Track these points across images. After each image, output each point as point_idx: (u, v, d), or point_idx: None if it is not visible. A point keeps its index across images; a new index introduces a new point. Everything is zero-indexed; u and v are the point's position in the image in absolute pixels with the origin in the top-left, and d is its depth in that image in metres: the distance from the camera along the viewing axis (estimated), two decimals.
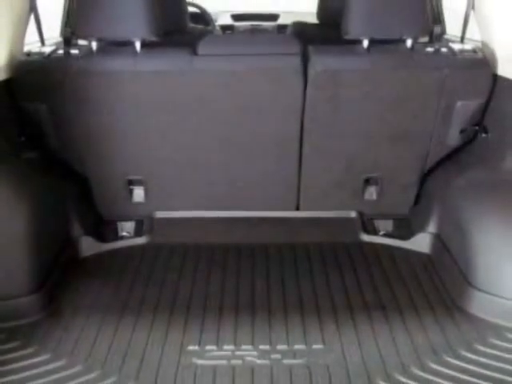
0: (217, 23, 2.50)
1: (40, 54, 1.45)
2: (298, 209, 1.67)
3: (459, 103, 1.45)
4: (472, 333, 1.21)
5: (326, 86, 1.40)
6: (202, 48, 1.39)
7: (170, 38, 1.45)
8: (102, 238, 1.60)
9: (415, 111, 1.46)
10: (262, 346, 1.18)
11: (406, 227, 1.65)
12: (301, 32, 1.77)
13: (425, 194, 1.65)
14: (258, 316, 1.28)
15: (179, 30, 1.78)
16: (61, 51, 1.45)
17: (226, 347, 1.18)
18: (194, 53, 1.39)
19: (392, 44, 1.43)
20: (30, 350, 1.17)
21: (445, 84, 1.40)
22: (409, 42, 1.42)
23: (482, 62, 1.42)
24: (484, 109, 1.48)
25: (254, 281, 1.42)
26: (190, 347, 1.18)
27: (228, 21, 2.56)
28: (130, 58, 1.39)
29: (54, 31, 1.74)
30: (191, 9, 2.24)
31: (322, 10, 1.88)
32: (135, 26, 1.35)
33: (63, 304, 1.33)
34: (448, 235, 1.48)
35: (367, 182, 1.63)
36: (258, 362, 1.14)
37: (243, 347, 1.18)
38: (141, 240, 1.61)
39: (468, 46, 1.48)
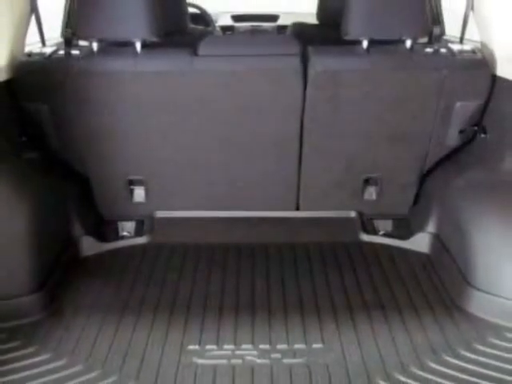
0: (217, 24, 2.50)
1: (41, 54, 1.46)
2: (297, 209, 1.67)
3: (458, 104, 1.45)
4: (471, 332, 1.22)
5: (325, 86, 1.40)
6: (202, 49, 1.40)
7: (170, 39, 1.45)
8: (102, 237, 1.61)
9: (414, 112, 1.47)
10: (262, 346, 1.19)
11: (405, 227, 1.65)
12: (300, 33, 1.78)
13: (424, 194, 1.66)
14: (258, 315, 1.28)
15: (180, 31, 1.79)
16: (62, 52, 1.46)
17: (226, 347, 1.19)
18: (195, 53, 1.40)
19: (391, 45, 1.43)
20: (30, 350, 1.18)
21: (444, 84, 1.41)
22: (408, 43, 1.43)
23: (481, 63, 1.43)
24: (483, 109, 1.49)
25: (254, 280, 1.42)
26: (191, 347, 1.19)
27: (228, 22, 2.57)
28: (130, 58, 1.39)
29: (54, 32, 1.75)
30: (191, 10, 2.24)
31: (322, 11, 1.89)
32: (136, 27, 1.36)
33: (64, 304, 1.34)
34: (447, 235, 1.48)
35: (367, 182, 1.64)
36: (258, 361, 1.15)
37: (243, 347, 1.18)
38: (141, 240, 1.62)
39: (467, 47, 1.48)
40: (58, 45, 1.57)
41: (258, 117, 1.47)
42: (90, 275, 1.46)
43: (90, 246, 1.55)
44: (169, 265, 1.51)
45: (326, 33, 1.61)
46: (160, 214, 1.69)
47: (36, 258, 1.30)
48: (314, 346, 1.19)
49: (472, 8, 1.51)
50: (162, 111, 1.46)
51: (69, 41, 1.51)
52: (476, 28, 1.53)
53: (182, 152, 1.55)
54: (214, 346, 1.19)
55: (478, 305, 1.27)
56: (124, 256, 1.55)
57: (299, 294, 1.37)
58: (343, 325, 1.25)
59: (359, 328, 1.24)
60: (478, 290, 1.28)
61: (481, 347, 1.17)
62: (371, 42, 1.40)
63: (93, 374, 1.11)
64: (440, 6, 1.85)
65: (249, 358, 1.16)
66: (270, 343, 1.19)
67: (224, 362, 1.14)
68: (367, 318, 1.27)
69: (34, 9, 1.49)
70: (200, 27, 2.29)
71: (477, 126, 1.53)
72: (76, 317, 1.28)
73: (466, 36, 1.58)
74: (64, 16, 1.79)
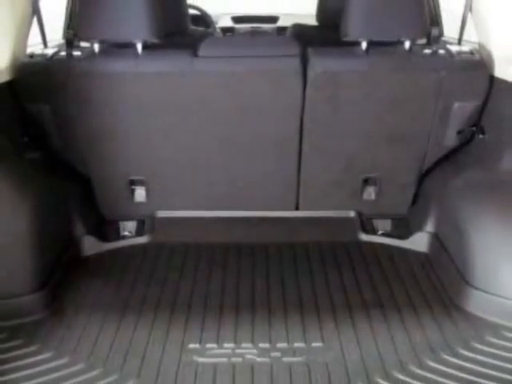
0: (217, 25, 2.51)
1: (43, 55, 1.47)
2: (297, 208, 1.68)
3: (456, 104, 1.46)
4: (469, 331, 1.23)
5: (325, 87, 1.41)
6: (202, 50, 1.41)
7: (171, 40, 1.46)
8: (104, 237, 1.62)
9: (413, 112, 1.48)
10: (261, 344, 1.19)
11: (404, 227, 1.66)
12: (300, 34, 1.79)
13: (423, 194, 1.66)
14: (258, 314, 1.29)
15: (180, 32, 1.80)
16: (63, 53, 1.47)
17: (226, 345, 1.19)
18: (195, 54, 1.40)
19: (390, 46, 1.44)
20: (32, 348, 1.18)
21: (442, 85, 1.41)
22: (407, 44, 1.43)
23: (479, 64, 1.43)
24: (481, 110, 1.50)
25: (254, 280, 1.43)
26: (191, 345, 1.19)
27: (228, 23, 2.58)
28: (131, 59, 1.40)
29: (56, 33, 1.76)
30: (192, 11, 2.26)
31: (321, 13, 1.90)
32: (137, 28, 1.37)
33: (66, 303, 1.34)
34: (446, 235, 1.49)
35: (366, 182, 1.65)
36: (258, 359, 1.15)
37: (243, 345, 1.19)
38: (142, 239, 1.63)
39: (465, 48, 1.49)
40: (59, 46, 1.59)
41: (258, 117, 1.48)
42: (92, 274, 1.47)
43: (91, 245, 1.56)
44: (169, 264, 1.52)
45: (325, 34, 1.62)
46: (161, 213, 1.69)
47: (38, 257, 1.31)
48: (314, 344, 1.19)
49: (470, 9, 1.52)
50: (163, 112, 1.47)
51: (70, 42, 1.52)
52: (474, 29, 1.54)
53: (182, 152, 1.56)
54: (215, 345, 1.20)
55: (477, 304, 1.28)
56: (125, 255, 1.56)
57: (299, 293, 1.37)
58: (342, 324, 1.25)
59: (358, 327, 1.24)
60: (477, 289, 1.29)
61: (479, 346, 1.18)
62: (370, 44, 1.41)
63: (94, 373, 1.12)
64: (438, 7, 1.87)
65: (249, 356, 1.16)
66: (270, 342, 1.20)
67: (224, 360, 1.15)
68: (366, 317, 1.28)
69: (35, 10, 1.50)
70: (200, 28, 2.30)
71: (475, 126, 1.54)
72: (77, 316, 1.29)
73: (465, 37, 1.59)
74: (66, 17, 1.81)
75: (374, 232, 1.66)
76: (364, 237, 1.63)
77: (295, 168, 1.58)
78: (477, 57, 1.46)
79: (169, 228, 1.66)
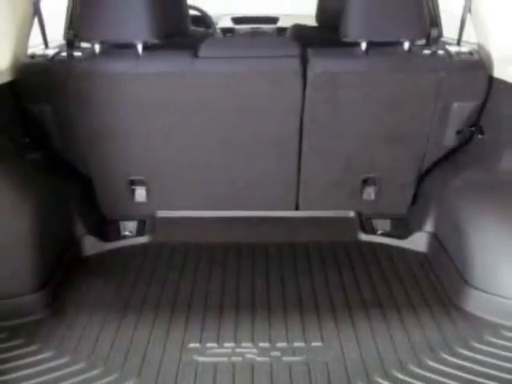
0: (217, 26, 2.52)
1: (44, 56, 1.47)
2: (297, 208, 1.69)
3: (456, 105, 1.47)
4: (468, 330, 1.23)
5: (324, 87, 1.42)
6: (203, 50, 1.41)
7: (171, 41, 1.47)
8: (104, 237, 1.62)
9: (412, 112, 1.48)
10: (261, 344, 1.20)
11: (403, 227, 1.67)
12: (300, 34, 1.79)
13: (422, 194, 1.67)
14: (258, 314, 1.29)
15: (181, 33, 1.80)
16: (64, 53, 1.47)
17: (226, 345, 1.20)
18: (195, 55, 1.41)
19: (390, 46, 1.45)
20: (33, 348, 1.19)
21: (441, 86, 1.42)
22: (406, 45, 1.44)
23: (478, 64, 1.44)
24: (480, 110, 1.50)
25: (254, 279, 1.44)
26: (191, 345, 1.20)
27: (228, 24, 2.59)
28: (132, 60, 1.41)
29: (58, 32, 1.76)
30: (192, 12, 2.26)
31: (321, 13, 1.91)
32: (137, 29, 1.37)
33: (66, 302, 1.35)
34: (445, 234, 1.49)
35: (365, 182, 1.65)
36: (258, 359, 1.16)
37: (243, 345, 1.20)
38: (143, 239, 1.63)
39: (464, 49, 1.50)
40: (60, 47, 1.59)
41: (258, 117, 1.49)
42: (92, 274, 1.48)
43: (92, 245, 1.57)
44: (170, 264, 1.52)
45: (325, 35, 1.62)
46: (161, 213, 1.70)
47: (38, 257, 1.31)
48: (314, 344, 1.20)
49: (469, 10, 1.52)
50: (163, 112, 1.47)
51: (71, 43, 1.53)
52: (473, 30, 1.54)
53: (182, 152, 1.56)
54: (215, 344, 1.20)
55: (476, 303, 1.29)
56: (125, 255, 1.56)
57: (299, 292, 1.38)
58: (342, 323, 1.26)
59: (358, 326, 1.25)
60: (476, 288, 1.29)
61: (478, 345, 1.19)
62: (370, 44, 1.42)
63: (95, 372, 1.12)
64: (438, 8, 1.87)
65: (249, 355, 1.17)
66: (270, 341, 1.20)
67: (224, 359, 1.16)
68: (366, 317, 1.28)
69: (36, 11, 1.51)
70: (201, 29, 2.30)
71: (474, 126, 1.54)
72: (78, 315, 1.30)
73: (464, 38, 1.60)
74: (66, 18, 1.82)
75: (373, 232, 1.67)
76: (363, 237, 1.64)
77: (295, 168, 1.58)
78: (476, 57, 1.46)
79: (169, 228, 1.67)
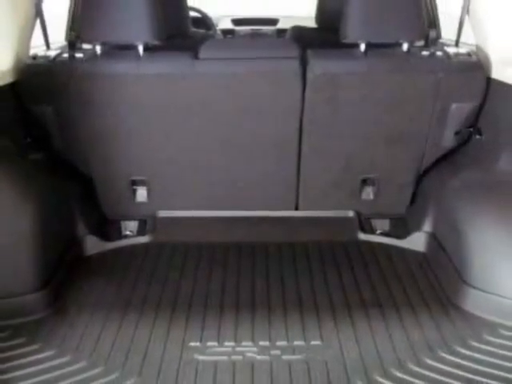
0: (218, 27, 2.53)
1: (45, 57, 1.48)
2: (297, 208, 1.70)
3: (454, 106, 1.48)
4: (467, 329, 1.24)
5: (324, 88, 1.43)
6: (203, 52, 1.43)
7: (172, 42, 1.48)
8: (106, 237, 1.63)
9: (411, 113, 1.49)
10: (261, 343, 1.21)
11: (402, 226, 1.67)
12: (300, 36, 1.80)
13: (420, 194, 1.68)
14: (258, 313, 1.30)
15: (181, 34, 1.81)
16: (66, 55, 1.48)
17: (226, 343, 1.21)
18: (196, 56, 1.42)
19: (389, 48, 1.46)
20: (35, 347, 1.19)
21: (440, 87, 1.43)
22: (405, 46, 1.45)
23: (476, 66, 1.45)
24: (478, 111, 1.51)
25: (254, 279, 1.45)
26: (192, 343, 1.21)
27: (229, 25, 2.59)
28: (133, 61, 1.42)
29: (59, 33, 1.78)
30: (193, 13, 2.27)
31: (321, 15, 1.92)
32: (138, 31, 1.38)
33: (68, 301, 1.36)
34: (443, 234, 1.50)
35: (364, 182, 1.66)
36: (258, 357, 1.17)
37: (243, 343, 1.20)
38: (144, 239, 1.64)
39: (463, 50, 1.51)
40: (62, 48, 1.60)
41: (258, 118, 1.50)
42: (94, 274, 1.48)
43: (93, 245, 1.58)
44: (170, 263, 1.53)
45: (324, 36, 1.64)
46: (162, 213, 1.71)
47: (40, 256, 1.32)
48: (313, 342, 1.21)
49: (467, 12, 1.53)
50: (164, 113, 1.48)
51: (73, 44, 1.54)
52: (471, 31, 1.56)
53: (183, 153, 1.57)
54: (215, 343, 1.21)
55: (474, 303, 1.29)
56: (127, 255, 1.57)
57: (298, 292, 1.39)
58: (341, 322, 1.27)
59: (357, 325, 1.26)
60: (474, 288, 1.30)
61: (476, 344, 1.19)
62: (369, 45, 1.43)
63: (96, 370, 1.13)
64: (436, 9, 1.89)
65: (249, 354, 1.18)
66: (270, 340, 1.21)
67: (225, 358, 1.16)
68: (365, 316, 1.29)
69: (38, 13, 1.52)
70: (201, 31, 2.31)
71: (472, 127, 1.55)
72: (80, 314, 1.30)
73: (462, 39, 1.61)
74: (68, 20, 1.83)
75: (372, 232, 1.68)
76: (363, 236, 1.65)
77: (295, 168, 1.59)
78: (474, 59, 1.47)
79: (170, 228, 1.67)
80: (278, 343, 1.21)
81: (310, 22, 1.98)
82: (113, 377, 1.12)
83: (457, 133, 1.55)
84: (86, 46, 1.54)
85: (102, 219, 1.70)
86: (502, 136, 1.44)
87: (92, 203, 1.67)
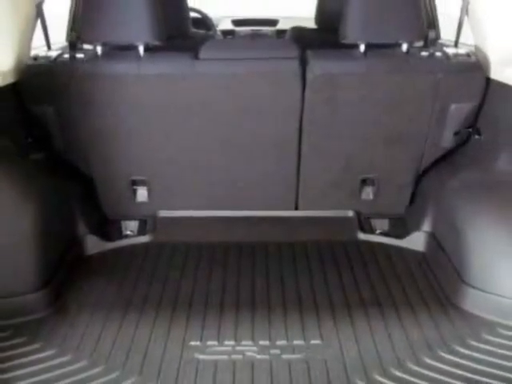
0: (218, 28, 2.53)
1: (46, 58, 1.49)
2: (296, 208, 1.70)
3: (453, 106, 1.48)
4: (465, 329, 1.24)
5: (323, 88, 1.43)
6: (203, 52, 1.43)
7: (172, 43, 1.49)
8: (106, 236, 1.64)
9: (410, 114, 1.50)
10: (261, 342, 1.21)
11: (401, 226, 1.68)
12: (299, 37, 1.81)
13: (420, 194, 1.69)
14: (258, 312, 1.31)
15: (181, 35, 1.82)
16: (67, 55, 1.49)
17: (226, 343, 1.21)
18: (196, 57, 1.43)
19: (388, 48, 1.46)
20: (36, 346, 1.20)
21: (439, 87, 1.44)
22: (404, 47, 1.46)
23: (475, 66, 1.46)
24: (477, 111, 1.52)
25: (254, 278, 1.45)
26: (192, 343, 1.21)
27: (229, 26, 2.60)
28: (133, 61, 1.42)
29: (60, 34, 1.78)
30: (193, 14, 2.28)
31: (320, 16, 1.92)
32: (139, 31, 1.39)
33: (69, 301, 1.36)
34: (442, 234, 1.51)
35: (364, 182, 1.67)
36: (258, 357, 1.17)
37: (243, 343, 1.21)
38: (144, 239, 1.65)
39: (462, 51, 1.51)
40: (63, 48, 1.61)
41: (258, 118, 1.50)
42: (94, 273, 1.49)
43: (93, 244, 1.58)
44: (171, 263, 1.53)
45: (324, 37, 1.64)
46: (162, 213, 1.71)
47: (41, 256, 1.32)
48: (313, 342, 1.21)
49: (466, 13, 1.54)
50: (164, 113, 1.49)
51: (74, 44, 1.54)
52: (470, 32, 1.56)
53: (183, 153, 1.58)
54: (215, 342, 1.21)
55: (473, 302, 1.30)
56: (127, 254, 1.58)
57: (298, 291, 1.39)
58: (341, 321, 1.27)
59: (357, 325, 1.26)
60: (473, 287, 1.30)
61: (475, 343, 1.20)
62: (368, 46, 1.43)
63: (97, 370, 1.14)
64: (435, 10, 1.89)
65: (249, 353, 1.18)
66: (270, 339, 1.22)
67: (225, 357, 1.17)
68: (364, 315, 1.29)
69: (39, 14, 1.53)
70: (201, 31, 2.32)
71: (471, 127, 1.56)
72: (80, 314, 1.31)
73: (461, 40, 1.62)
74: (69, 20, 1.83)
75: (371, 231, 1.68)
76: (362, 236, 1.66)
77: (295, 168, 1.60)
78: (473, 59, 1.48)
79: (170, 227, 1.68)
80: (278, 342, 1.21)
81: (310, 23, 1.99)
82: (113, 376, 1.12)
83: (456, 133, 1.56)
84: (86, 47, 1.55)
85: (103, 219, 1.71)
86: (500, 136, 1.45)
87: (92, 203, 1.68)
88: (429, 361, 1.15)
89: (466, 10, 1.54)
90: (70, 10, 1.83)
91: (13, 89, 1.43)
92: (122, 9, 1.38)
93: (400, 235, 1.64)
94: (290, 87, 1.43)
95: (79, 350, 1.19)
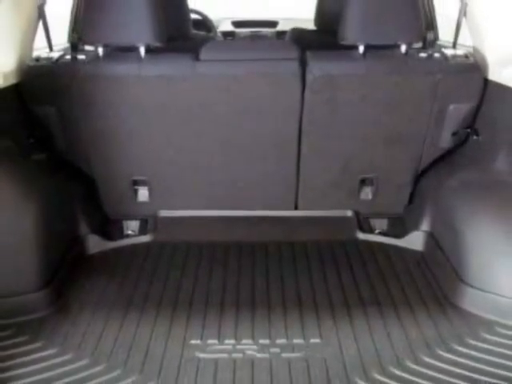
0: (218, 30, 2.54)
1: (48, 59, 1.50)
2: (296, 208, 1.71)
3: (451, 107, 1.49)
4: (464, 327, 1.25)
5: (323, 89, 1.44)
6: (204, 53, 1.44)
7: (173, 44, 1.49)
8: (107, 236, 1.64)
9: (409, 114, 1.51)
10: (261, 341, 1.22)
11: (400, 226, 1.69)
12: (299, 38, 1.82)
13: (418, 194, 1.69)
14: (258, 311, 1.31)
15: (182, 36, 1.83)
16: (68, 56, 1.50)
17: (227, 341, 1.22)
18: (197, 58, 1.44)
19: (387, 49, 1.47)
20: (38, 345, 1.20)
21: (438, 88, 1.45)
22: (403, 48, 1.47)
23: (473, 67, 1.47)
24: (475, 112, 1.53)
25: (254, 278, 1.46)
26: (193, 341, 1.22)
27: (229, 27, 2.61)
28: (134, 63, 1.43)
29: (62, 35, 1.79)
30: (194, 16, 2.29)
31: (320, 17, 1.93)
32: (140, 33, 1.40)
33: (70, 300, 1.37)
34: (441, 233, 1.52)
35: (363, 182, 1.68)
36: (258, 355, 1.18)
37: (244, 341, 1.21)
38: (145, 238, 1.65)
39: (460, 52, 1.52)
40: (64, 50, 1.62)
41: (258, 119, 1.51)
42: (96, 272, 1.50)
43: (95, 244, 1.59)
44: (172, 262, 1.54)
45: (323, 38, 1.65)
46: (163, 213, 1.72)
47: (43, 256, 1.33)
48: (312, 340, 1.22)
49: (465, 14, 1.55)
50: (165, 114, 1.50)
51: (75, 46, 1.56)
52: (468, 33, 1.57)
53: (184, 153, 1.59)
54: (216, 341, 1.22)
55: (471, 301, 1.31)
56: (128, 254, 1.59)
57: (298, 290, 1.40)
58: (340, 320, 1.28)
59: (356, 323, 1.27)
60: (471, 286, 1.31)
61: (473, 342, 1.21)
62: (367, 47, 1.44)
63: (98, 368, 1.14)
64: (434, 12, 1.90)
65: (249, 352, 1.19)
66: (270, 338, 1.22)
67: (225, 356, 1.18)
68: (363, 314, 1.30)
69: (41, 15, 1.54)
70: (202, 33, 2.33)
71: (469, 128, 1.57)
72: (82, 312, 1.32)
73: (459, 41, 1.63)
74: (70, 22, 1.85)
75: (370, 231, 1.69)
76: (361, 236, 1.66)
77: (294, 169, 1.60)
78: (471, 60, 1.49)
79: (171, 227, 1.69)
80: (278, 341, 1.22)
81: (310, 24, 2.00)
82: (114, 374, 1.13)
83: (454, 133, 1.57)
84: (88, 48, 1.56)
85: (104, 219, 1.72)
86: (498, 136, 1.46)
87: (94, 203, 1.69)
88: (427, 359, 1.16)
89: (464, 12, 1.54)
90: (72, 12, 1.84)
91: (15, 90, 1.44)
92: (123, 10, 1.38)
93: (399, 235, 1.64)
94: (289, 88, 1.44)
95: (81, 349, 1.19)
